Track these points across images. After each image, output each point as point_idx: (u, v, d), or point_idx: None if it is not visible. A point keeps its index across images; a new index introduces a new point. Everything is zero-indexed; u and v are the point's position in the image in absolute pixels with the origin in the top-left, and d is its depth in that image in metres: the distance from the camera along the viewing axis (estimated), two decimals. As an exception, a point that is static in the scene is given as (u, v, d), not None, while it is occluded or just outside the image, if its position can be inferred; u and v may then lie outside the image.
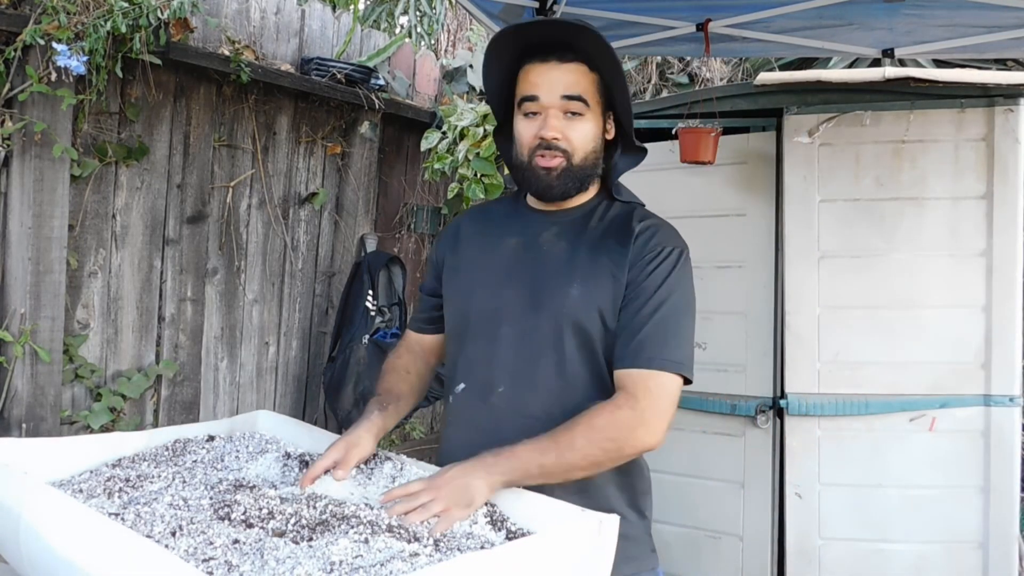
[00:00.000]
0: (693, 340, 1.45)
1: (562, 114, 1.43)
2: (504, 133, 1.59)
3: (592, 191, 1.55)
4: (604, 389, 1.43)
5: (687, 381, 1.42)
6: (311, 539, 1.09)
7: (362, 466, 1.37)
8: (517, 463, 1.27)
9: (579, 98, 1.43)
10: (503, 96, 1.53)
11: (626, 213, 1.53)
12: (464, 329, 1.52)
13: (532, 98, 1.44)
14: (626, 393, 1.36)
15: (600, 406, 1.35)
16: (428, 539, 1.13)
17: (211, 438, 1.49)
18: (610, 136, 1.52)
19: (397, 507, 1.19)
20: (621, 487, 1.47)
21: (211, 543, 1.06)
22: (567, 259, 1.47)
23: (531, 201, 1.57)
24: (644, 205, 1.59)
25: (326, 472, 1.31)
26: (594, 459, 1.32)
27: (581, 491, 1.36)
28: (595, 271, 1.44)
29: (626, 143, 1.54)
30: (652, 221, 1.51)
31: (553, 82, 1.43)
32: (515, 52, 1.47)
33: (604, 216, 1.53)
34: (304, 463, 1.38)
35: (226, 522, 1.12)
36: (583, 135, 1.45)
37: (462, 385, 1.50)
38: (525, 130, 1.46)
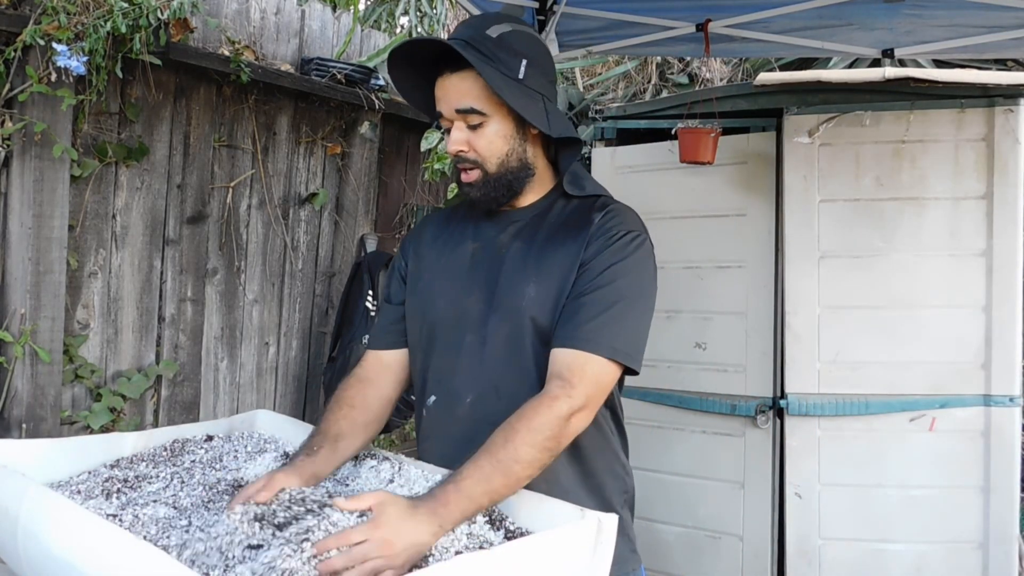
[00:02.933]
0: (644, 328, 1.39)
1: (465, 126, 1.41)
2: None
3: (541, 189, 1.50)
4: None
5: (631, 372, 1.37)
6: (307, 539, 1.09)
7: (363, 467, 1.37)
8: (467, 503, 1.18)
9: (471, 110, 1.38)
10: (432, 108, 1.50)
11: (586, 205, 1.48)
12: (429, 340, 1.48)
13: (439, 114, 1.43)
14: (560, 380, 1.30)
15: (536, 403, 1.28)
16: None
17: (209, 438, 1.49)
18: (535, 131, 1.45)
19: (334, 562, 1.02)
20: (591, 489, 1.44)
21: (210, 538, 1.06)
22: (522, 259, 1.43)
23: None
24: (609, 196, 1.52)
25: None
26: (540, 463, 1.27)
27: (563, 492, 1.33)
28: (552, 266, 1.40)
29: (555, 136, 1.45)
30: (614, 206, 1.46)
31: (448, 96, 1.40)
32: (425, 65, 1.43)
33: (562, 212, 1.48)
34: None
35: (225, 513, 1.12)
36: (488, 143, 1.41)
37: (433, 398, 1.47)
38: (447, 146, 1.45)
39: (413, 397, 1.58)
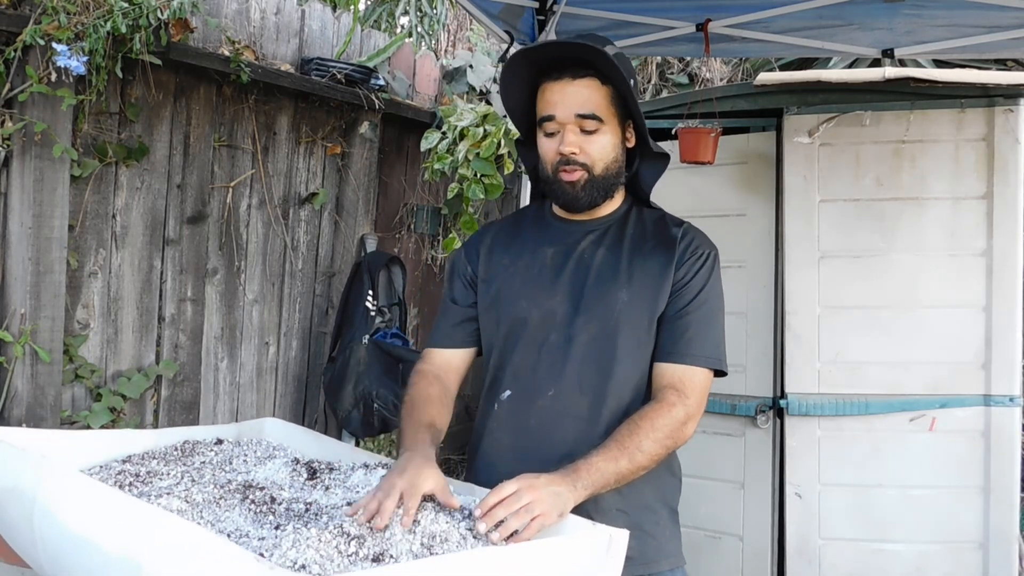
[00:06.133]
0: (724, 334, 1.55)
1: (579, 129, 1.48)
2: (528, 145, 1.63)
3: (619, 199, 1.60)
4: (643, 388, 1.51)
5: (721, 373, 1.52)
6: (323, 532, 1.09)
7: (375, 476, 1.38)
8: (598, 476, 1.32)
9: (592, 116, 1.48)
10: (526, 113, 1.58)
11: (658, 218, 1.60)
12: (507, 338, 1.56)
13: (549, 117, 1.49)
14: (675, 390, 1.46)
15: (656, 406, 1.44)
16: (432, 535, 1.14)
17: (219, 441, 1.51)
18: (631, 144, 1.57)
19: (497, 511, 1.18)
20: (658, 486, 1.54)
21: (222, 533, 1.08)
22: (611, 265, 1.53)
23: (559, 211, 1.61)
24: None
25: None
26: (657, 457, 1.42)
27: (617, 490, 1.40)
28: (643, 276, 1.51)
29: (645, 150, 1.58)
30: (688, 225, 1.60)
31: (568, 100, 1.47)
32: (532, 70, 1.51)
33: (638, 222, 1.59)
34: (312, 470, 1.39)
35: (236, 511, 1.14)
36: (600, 148, 1.50)
37: (508, 392, 1.54)
38: (547, 147, 1.52)
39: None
